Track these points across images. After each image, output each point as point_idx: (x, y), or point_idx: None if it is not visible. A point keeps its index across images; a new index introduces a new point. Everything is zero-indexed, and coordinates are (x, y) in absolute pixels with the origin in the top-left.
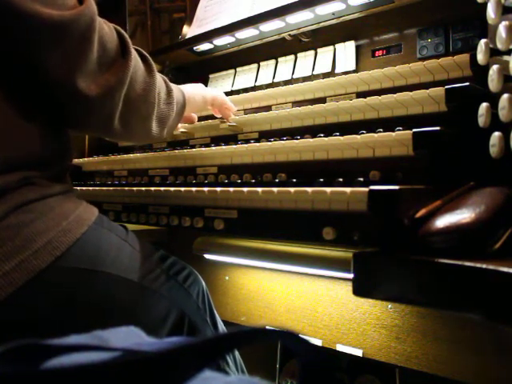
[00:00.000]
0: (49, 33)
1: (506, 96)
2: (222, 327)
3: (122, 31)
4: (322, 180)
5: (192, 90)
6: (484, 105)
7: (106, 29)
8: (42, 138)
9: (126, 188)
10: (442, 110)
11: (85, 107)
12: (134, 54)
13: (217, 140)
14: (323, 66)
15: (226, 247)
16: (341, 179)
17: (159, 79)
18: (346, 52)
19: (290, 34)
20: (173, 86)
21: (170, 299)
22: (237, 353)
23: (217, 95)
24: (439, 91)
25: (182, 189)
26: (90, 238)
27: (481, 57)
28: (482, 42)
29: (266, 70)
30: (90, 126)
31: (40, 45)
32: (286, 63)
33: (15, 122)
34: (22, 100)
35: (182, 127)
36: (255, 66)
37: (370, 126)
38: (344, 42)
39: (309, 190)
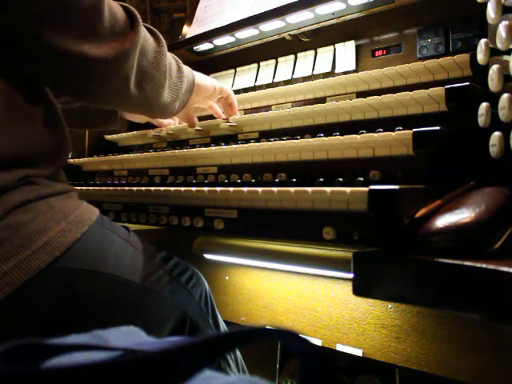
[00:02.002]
0: (60, 4)
1: (505, 96)
2: (224, 328)
3: (129, 6)
4: (321, 180)
5: (202, 75)
6: (484, 104)
7: (112, 3)
8: (41, 136)
9: (126, 188)
10: (442, 109)
11: (101, 73)
12: (142, 26)
13: (217, 140)
14: (323, 65)
15: (225, 247)
16: (341, 179)
17: (169, 54)
18: (345, 52)
19: (290, 34)
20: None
21: (173, 300)
22: (238, 352)
23: (225, 86)
24: (439, 91)
25: (182, 189)
26: (91, 238)
27: (481, 56)
28: (482, 41)
29: (266, 70)
30: (108, 93)
31: (52, 17)
32: (285, 63)
33: (15, 118)
34: (23, 95)
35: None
36: (255, 65)
37: (370, 125)
38: (344, 41)
39: (309, 189)
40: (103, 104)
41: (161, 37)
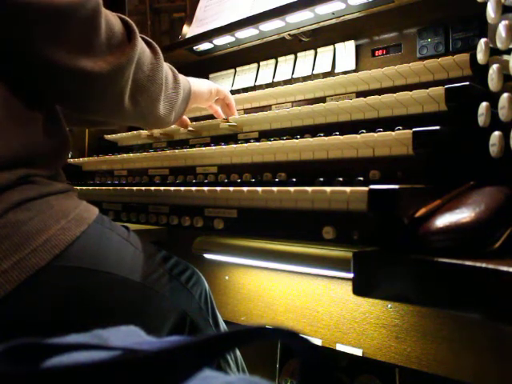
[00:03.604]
0: (57, 18)
1: (505, 95)
2: (224, 328)
3: (126, 18)
4: (321, 179)
5: (198, 81)
6: (484, 104)
7: (110, 15)
8: (42, 136)
9: (126, 188)
10: (442, 109)
11: (96, 87)
12: (139, 38)
13: (217, 139)
14: (323, 65)
15: (225, 247)
16: (341, 179)
17: (165, 64)
18: (345, 51)
19: (289, 34)
20: (179, 74)
21: (173, 300)
22: (238, 352)
23: (221, 88)
24: (439, 91)
25: (182, 188)
26: (91, 236)
27: (481, 56)
28: (482, 41)
29: (266, 70)
30: (103, 107)
31: (48, 31)
32: (285, 63)
33: (17, 119)
34: (24, 96)
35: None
36: (255, 65)
37: (370, 125)
38: (344, 41)
39: (309, 189)
40: (98, 116)
41: (158, 49)
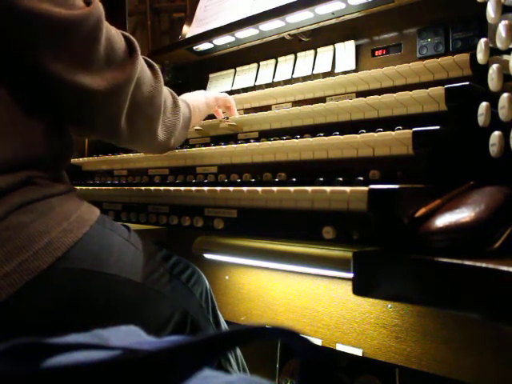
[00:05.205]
0: (57, 31)
1: (505, 95)
2: (225, 327)
3: (130, 36)
4: (321, 179)
5: (195, 100)
6: (484, 104)
7: (113, 31)
8: (45, 139)
9: (126, 187)
10: (442, 109)
11: (92, 103)
12: (140, 57)
13: (217, 139)
14: (323, 65)
15: (225, 247)
16: (341, 178)
17: (165, 88)
18: (345, 51)
19: (289, 34)
20: (178, 97)
21: (173, 299)
22: (238, 351)
23: (218, 95)
24: (439, 90)
25: (182, 188)
26: (92, 238)
27: (481, 56)
28: (482, 41)
29: (266, 70)
30: (98, 125)
31: (48, 43)
32: (285, 63)
33: (19, 122)
34: (26, 100)
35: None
36: (255, 65)
37: (370, 125)
38: (344, 41)
39: (309, 189)
40: (93, 132)
41: (159, 71)
